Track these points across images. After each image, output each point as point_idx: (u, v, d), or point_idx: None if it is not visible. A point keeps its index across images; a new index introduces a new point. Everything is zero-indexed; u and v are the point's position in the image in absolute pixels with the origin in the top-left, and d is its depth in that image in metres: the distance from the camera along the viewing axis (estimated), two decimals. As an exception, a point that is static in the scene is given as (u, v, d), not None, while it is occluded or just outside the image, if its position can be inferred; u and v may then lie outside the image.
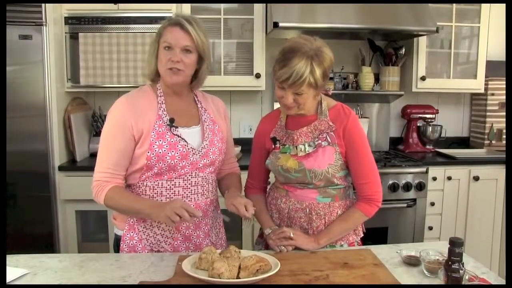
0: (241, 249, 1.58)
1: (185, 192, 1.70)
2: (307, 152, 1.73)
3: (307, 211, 1.77)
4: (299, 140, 1.76)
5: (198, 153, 1.71)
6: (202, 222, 1.77)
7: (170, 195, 1.69)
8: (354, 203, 1.81)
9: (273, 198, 1.89)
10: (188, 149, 1.68)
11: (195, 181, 1.72)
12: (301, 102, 1.67)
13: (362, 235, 1.87)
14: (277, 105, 3.54)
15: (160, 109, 1.70)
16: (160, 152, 1.64)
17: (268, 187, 2.00)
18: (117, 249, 1.76)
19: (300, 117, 1.79)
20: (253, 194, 1.95)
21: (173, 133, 1.67)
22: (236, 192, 1.77)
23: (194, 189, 1.72)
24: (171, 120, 1.69)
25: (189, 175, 1.70)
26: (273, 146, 1.84)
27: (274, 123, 1.88)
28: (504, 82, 3.65)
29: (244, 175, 1.99)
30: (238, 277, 1.39)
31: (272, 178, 1.99)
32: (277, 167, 1.79)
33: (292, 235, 1.67)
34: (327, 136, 1.74)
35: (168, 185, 1.68)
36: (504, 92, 3.66)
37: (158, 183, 1.68)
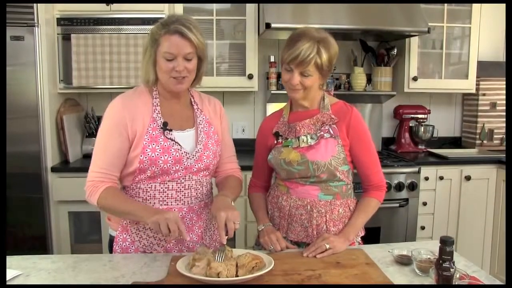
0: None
1: (178, 195, 1.70)
2: (309, 144, 1.75)
3: (308, 208, 1.77)
4: (301, 131, 1.77)
5: (192, 157, 1.69)
6: (196, 225, 1.76)
7: (163, 198, 1.69)
8: (363, 194, 1.84)
9: (273, 197, 1.89)
10: (182, 153, 1.67)
11: (189, 184, 1.72)
12: (307, 85, 1.70)
13: (362, 234, 1.87)
14: (269, 106, 3.59)
15: (154, 112, 1.69)
16: (153, 156, 1.63)
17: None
18: (111, 250, 1.76)
19: (302, 111, 1.81)
20: (255, 192, 1.96)
21: (166, 137, 1.66)
22: (226, 198, 1.66)
23: (188, 192, 1.72)
24: (165, 124, 1.67)
25: (183, 178, 1.70)
26: (275, 142, 1.85)
27: (276, 120, 1.89)
28: (495, 82, 3.68)
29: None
30: (236, 275, 1.40)
31: (272, 179, 1.99)
32: (279, 161, 1.79)
33: (328, 246, 1.65)
34: (330, 128, 1.76)
35: (161, 188, 1.68)
36: (495, 92, 3.69)
37: (151, 185, 1.68)
